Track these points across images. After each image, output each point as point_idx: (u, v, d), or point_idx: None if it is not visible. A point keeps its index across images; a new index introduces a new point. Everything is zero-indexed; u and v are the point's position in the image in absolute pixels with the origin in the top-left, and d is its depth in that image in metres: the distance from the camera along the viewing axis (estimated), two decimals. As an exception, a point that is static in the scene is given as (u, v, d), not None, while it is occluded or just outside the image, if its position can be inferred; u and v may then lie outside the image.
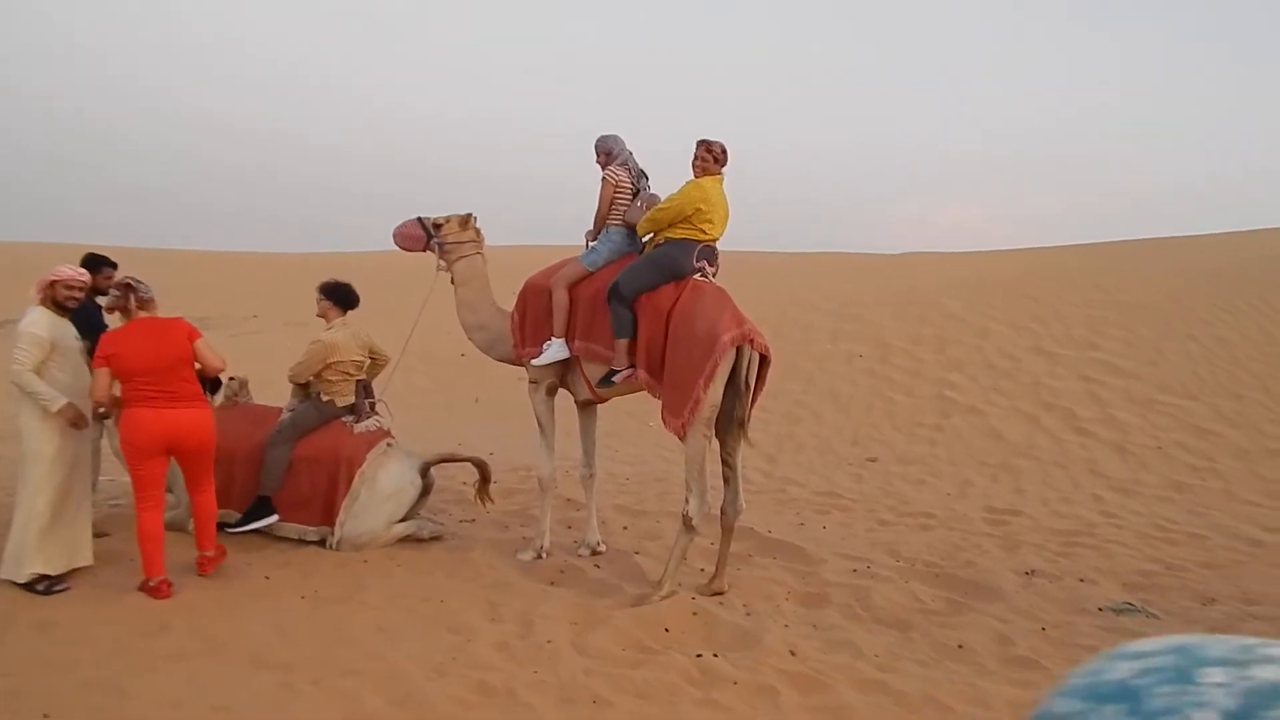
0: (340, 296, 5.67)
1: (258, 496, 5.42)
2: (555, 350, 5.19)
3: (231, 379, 5.86)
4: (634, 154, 5.27)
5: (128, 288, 4.76)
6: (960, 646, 4.22)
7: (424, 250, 5.77)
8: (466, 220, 5.70)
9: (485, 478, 5.74)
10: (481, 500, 5.79)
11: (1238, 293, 12.56)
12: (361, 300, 5.82)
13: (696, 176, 4.91)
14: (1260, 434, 8.70)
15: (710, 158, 4.89)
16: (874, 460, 8.68)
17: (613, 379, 5.02)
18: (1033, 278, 14.82)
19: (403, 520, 5.54)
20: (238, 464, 5.50)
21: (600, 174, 5.22)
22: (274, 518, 5.41)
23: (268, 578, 4.93)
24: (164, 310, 4.92)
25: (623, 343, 4.92)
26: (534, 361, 5.32)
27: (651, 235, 5.08)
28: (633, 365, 4.95)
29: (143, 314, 4.76)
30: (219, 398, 5.61)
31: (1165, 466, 8.14)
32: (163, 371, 4.63)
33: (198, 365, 4.83)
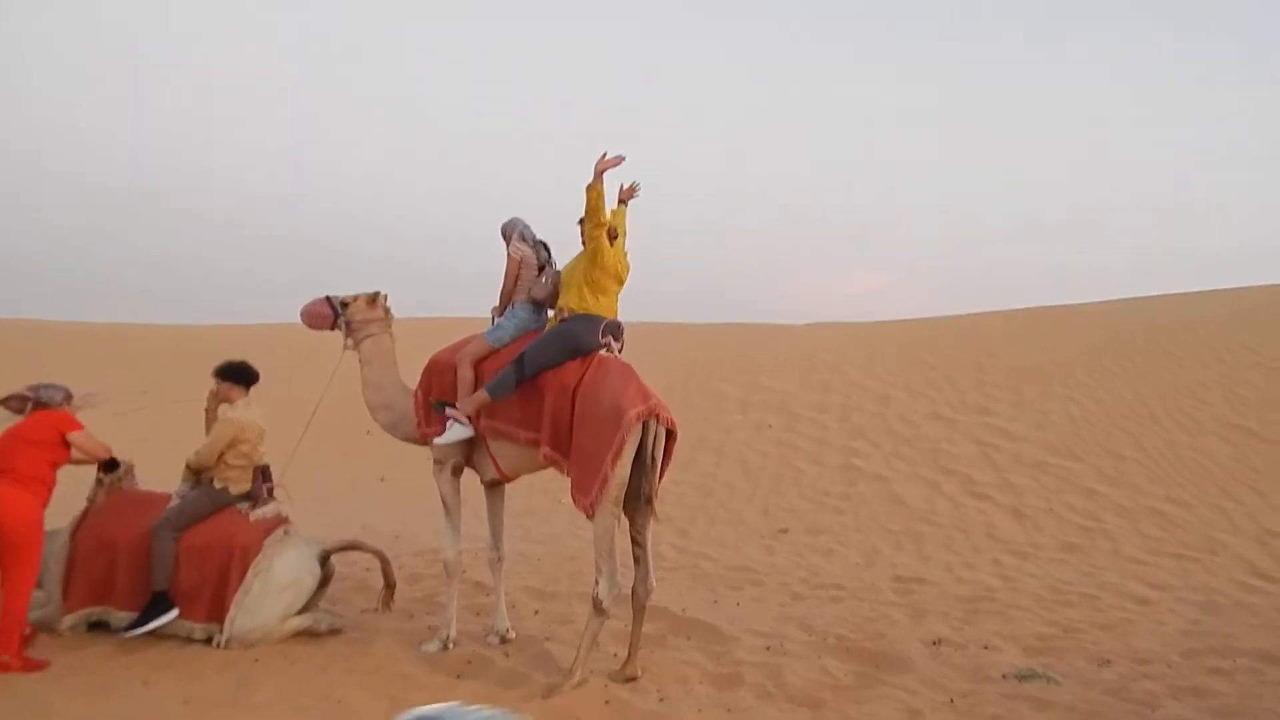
0: (241, 375, 5.46)
1: (153, 592, 5.05)
2: (459, 429, 5.09)
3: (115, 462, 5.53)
4: (530, 225, 5.34)
5: (23, 399, 4.91)
6: (872, 722, 4.22)
7: (331, 329, 5.66)
8: (374, 299, 5.62)
9: (389, 582, 5.46)
10: (384, 604, 5.51)
11: (1110, 356, 13.44)
12: (263, 375, 5.62)
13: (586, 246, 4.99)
14: (1139, 492, 9.21)
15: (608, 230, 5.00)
16: (785, 531, 8.77)
17: (445, 408, 5.02)
18: (927, 344, 15.50)
19: (299, 613, 5.25)
20: (120, 555, 5.14)
21: (505, 251, 5.26)
22: (174, 613, 5.05)
23: (146, 682, 4.56)
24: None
25: (483, 396, 4.90)
26: (438, 440, 5.20)
27: (558, 310, 5.07)
28: (475, 423, 4.97)
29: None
30: (101, 486, 5.35)
31: (1057, 528, 8.50)
32: (11, 443, 4.69)
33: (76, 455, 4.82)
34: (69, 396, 5.05)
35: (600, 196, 4.72)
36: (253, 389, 5.48)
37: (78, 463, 4.98)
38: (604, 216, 4.78)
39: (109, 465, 5.33)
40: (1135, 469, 9.79)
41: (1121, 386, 12.18)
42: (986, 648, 5.38)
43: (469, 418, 5.07)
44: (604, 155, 4.70)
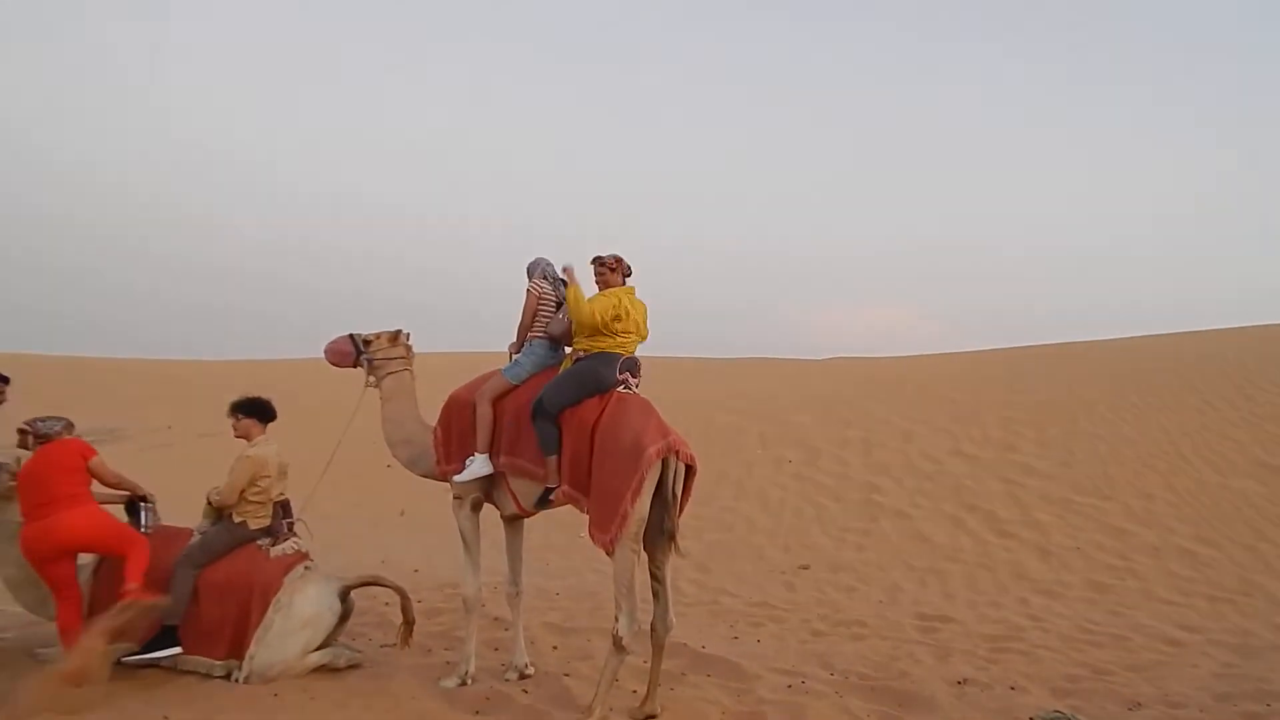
0: (260, 412, 5.51)
1: (162, 626, 5.07)
2: (479, 466, 5.11)
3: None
4: (553, 264, 5.40)
5: (23, 432, 5.01)
6: (896, 765, 4.14)
7: (354, 366, 5.73)
8: (396, 336, 5.70)
9: (408, 618, 5.42)
10: (403, 640, 5.46)
11: (1135, 392, 13.26)
12: (284, 412, 5.68)
13: (601, 290, 5.04)
14: (1170, 532, 9.03)
15: (620, 270, 5.03)
16: (806, 567, 8.67)
17: (549, 497, 4.98)
18: (948, 379, 15.39)
19: (319, 648, 5.24)
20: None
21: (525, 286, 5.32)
22: (176, 650, 5.06)
23: (167, 717, 4.57)
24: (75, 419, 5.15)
25: (553, 459, 4.88)
26: (457, 478, 5.22)
27: (573, 348, 5.10)
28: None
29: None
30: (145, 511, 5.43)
31: (1085, 567, 8.34)
32: (45, 474, 4.76)
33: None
34: (69, 426, 5.12)
35: (577, 296, 4.91)
36: (270, 425, 5.53)
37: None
38: (585, 315, 4.88)
39: (130, 506, 5.35)
40: (1165, 508, 9.61)
41: (1148, 423, 12.01)
42: (1013, 689, 5.27)
43: (489, 456, 5.09)
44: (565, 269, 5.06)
